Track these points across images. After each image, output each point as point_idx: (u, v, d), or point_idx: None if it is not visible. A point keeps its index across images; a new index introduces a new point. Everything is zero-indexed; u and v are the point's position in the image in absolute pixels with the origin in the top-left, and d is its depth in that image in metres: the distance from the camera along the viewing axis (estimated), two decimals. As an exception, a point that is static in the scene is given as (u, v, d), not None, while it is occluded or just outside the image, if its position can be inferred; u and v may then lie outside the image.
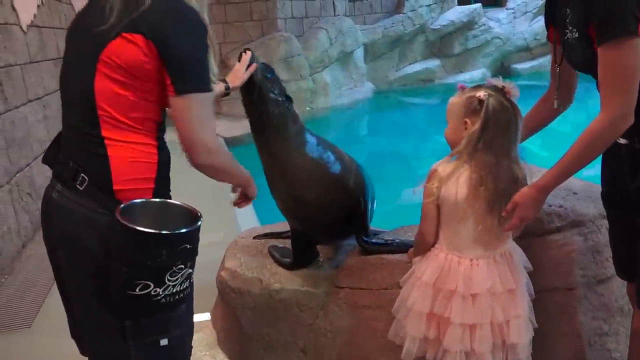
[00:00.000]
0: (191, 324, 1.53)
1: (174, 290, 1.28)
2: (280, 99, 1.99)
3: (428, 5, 12.15)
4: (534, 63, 12.88)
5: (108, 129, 1.31)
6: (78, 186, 1.33)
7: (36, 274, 3.58)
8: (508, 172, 1.58)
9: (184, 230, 1.26)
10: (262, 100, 1.94)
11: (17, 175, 4.05)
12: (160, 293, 1.26)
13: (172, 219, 1.31)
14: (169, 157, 1.43)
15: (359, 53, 11.20)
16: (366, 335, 2.02)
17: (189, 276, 1.31)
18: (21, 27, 4.58)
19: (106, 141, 1.32)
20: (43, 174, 4.59)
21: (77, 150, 1.37)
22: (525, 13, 13.17)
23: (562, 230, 1.89)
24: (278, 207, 2.16)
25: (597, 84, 1.51)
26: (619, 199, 1.61)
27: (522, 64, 12.99)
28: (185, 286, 1.31)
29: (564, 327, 1.92)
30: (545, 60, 12.96)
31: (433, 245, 1.71)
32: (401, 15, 11.84)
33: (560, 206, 1.92)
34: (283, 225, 2.50)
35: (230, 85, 1.91)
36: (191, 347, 1.54)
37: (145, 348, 1.34)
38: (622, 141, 1.54)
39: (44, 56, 5.25)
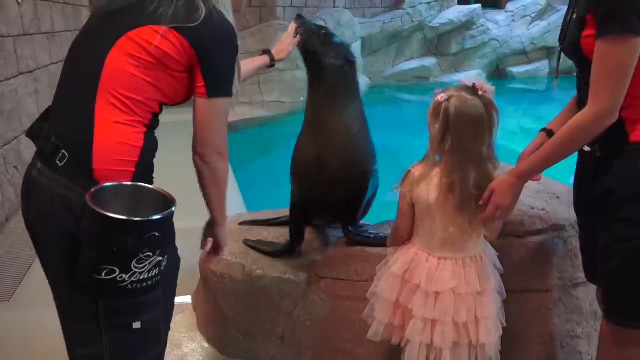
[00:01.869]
0: (170, 307, 1.53)
1: (141, 278, 1.26)
2: (336, 63, 1.98)
3: (428, 3, 12.13)
4: (530, 67, 12.93)
5: (102, 105, 1.31)
6: (58, 162, 1.32)
7: (19, 248, 3.56)
8: (479, 172, 1.59)
9: (151, 218, 1.23)
10: (316, 67, 1.96)
11: (4, 147, 4.02)
12: (127, 279, 1.24)
13: (145, 204, 1.28)
14: (156, 147, 1.42)
15: (356, 46, 11.16)
16: (344, 325, 2.05)
17: (159, 264, 1.29)
18: (16, -1, 4.53)
19: (96, 118, 1.30)
20: (31, 148, 4.54)
21: (63, 125, 1.37)
22: (524, 17, 13.19)
23: (542, 232, 1.92)
24: (291, 173, 2.14)
25: (577, 75, 1.52)
26: (586, 205, 1.64)
27: (517, 68, 13.03)
28: (154, 274, 1.28)
29: (538, 329, 1.96)
30: (541, 65, 13.04)
31: (408, 240, 1.74)
32: (400, 11, 11.81)
33: (543, 209, 1.95)
34: (270, 213, 2.51)
35: (276, 57, 1.92)
36: (168, 329, 1.55)
37: (118, 330, 1.34)
38: (586, 148, 1.57)
39: (37, 29, 5.19)
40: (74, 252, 1.29)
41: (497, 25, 12.92)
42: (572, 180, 1.74)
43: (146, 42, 1.30)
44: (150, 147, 1.38)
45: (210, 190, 1.51)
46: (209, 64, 1.35)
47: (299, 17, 2.03)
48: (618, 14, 1.35)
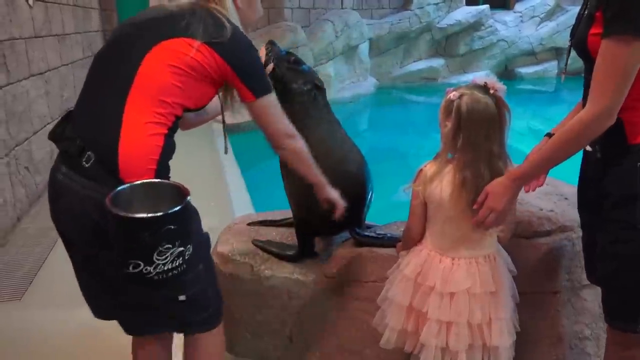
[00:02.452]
0: (213, 274, 1.68)
1: (165, 268, 1.33)
2: (304, 88, 2.04)
3: (436, 4, 12.11)
4: (538, 68, 12.88)
5: (132, 105, 1.39)
6: (84, 162, 1.39)
7: (30, 248, 3.60)
8: (490, 169, 1.58)
9: (161, 214, 1.29)
10: (285, 91, 1.99)
11: (16, 148, 4.06)
12: (152, 271, 1.31)
13: (163, 199, 1.35)
14: (173, 149, 1.50)
15: (364, 47, 11.18)
16: (352, 326, 2.05)
17: (182, 254, 1.35)
18: (27, 1, 4.58)
19: (124, 118, 1.38)
20: (42, 149, 4.60)
21: (89, 126, 1.44)
22: (533, 17, 13.14)
23: (551, 234, 1.91)
24: (286, 192, 2.19)
25: (584, 74, 1.50)
26: (587, 205, 1.64)
27: (526, 68, 12.99)
28: (178, 263, 1.34)
29: (546, 330, 1.95)
30: (550, 66, 12.98)
31: (420, 241, 1.74)
32: (408, 12, 11.81)
33: (551, 210, 1.94)
34: (279, 214, 2.52)
35: None
36: (218, 290, 1.69)
37: (165, 301, 1.51)
38: (588, 149, 1.56)
39: (48, 31, 5.24)
40: (106, 251, 1.38)
41: (506, 25, 12.88)
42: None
43: (181, 53, 1.41)
44: (169, 149, 1.46)
45: (300, 167, 1.70)
46: (245, 71, 1.49)
47: (270, 43, 2.09)
48: (626, 14, 1.33)
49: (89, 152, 1.39)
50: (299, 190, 2.09)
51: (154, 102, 1.40)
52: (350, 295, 2.05)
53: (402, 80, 12.12)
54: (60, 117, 1.54)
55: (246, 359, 2.29)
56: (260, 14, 1.74)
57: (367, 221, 2.54)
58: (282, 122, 1.59)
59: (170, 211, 1.30)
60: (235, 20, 1.54)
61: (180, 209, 1.32)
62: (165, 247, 1.30)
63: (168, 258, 1.32)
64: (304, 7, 10.30)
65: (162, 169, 1.45)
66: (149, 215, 1.28)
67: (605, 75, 1.37)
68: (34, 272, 3.25)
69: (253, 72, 1.53)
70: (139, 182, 1.38)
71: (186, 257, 1.37)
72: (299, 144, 1.64)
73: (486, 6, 12.55)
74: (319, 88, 2.09)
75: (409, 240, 1.76)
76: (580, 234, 1.93)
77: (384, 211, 2.38)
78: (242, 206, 4.01)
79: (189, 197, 1.35)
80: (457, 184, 1.58)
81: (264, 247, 2.30)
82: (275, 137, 1.59)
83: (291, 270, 2.17)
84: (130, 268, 1.31)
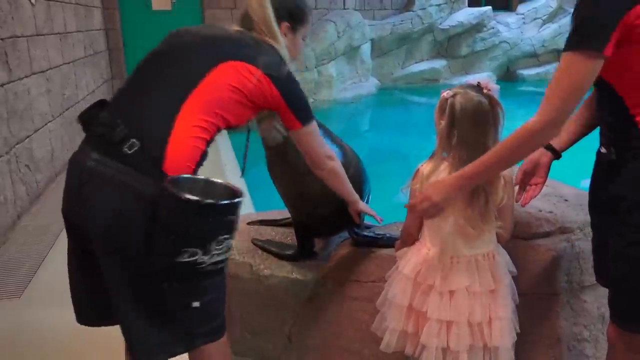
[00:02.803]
0: (224, 287, 1.64)
1: (217, 259, 1.37)
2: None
3: (438, 5, 12.11)
4: (540, 70, 12.87)
5: (188, 108, 1.45)
6: (126, 149, 1.39)
7: (30, 246, 3.61)
8: None
9: (230, 202, 1.35)
10: None
11: (17, 146, 4.07)
12: (206, 261, 1.34)
13: (215, 196, 1.38)
14: (206, 158, 1.54)
15: (366, 48, 11.18)
16: (352, 326, 2.05)
17: (229, 246, 1.40)
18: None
19: (178, 118, 1.43)
20: (43, 147, 4.60)
21: (138, 117, 1.45)
22: (535, 19, 13.14)
23: (550, 235, 1.91)
24: (281, 197, 2.20)
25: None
26: (598, 206, 1.64)
27: (528, 70, 12.99)
28: (225, 256, 1.40)
29: (545, 331, 1.95)
30: (552, 68, 12.95)
31: (417, 240, 1.74)
32: (411, 13, 11.80)
33: (550, 212, 1.94)
34: (278, 213, 2.52)
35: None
36: (224, 302, 1.65)
37: (176, 309, 1.45)
38: (602, 150, 1.56)
39: (50, 30, 5.25)
40: (141, 241, 1.36)
41: (508, 27, 12.88)
42: (582, 183, 1.73)
43: (244, 77, 1.51)
44: (205, 156, 1.52)
45: (337, 186, 1.84)
46: (295, 103, 1.62)
47: None
48: (577, 31, 1.36)
49: (133, 140, 1.40)
50: (295, 195, 2.12)
51: (207, 110, 1.47)
52: (349, 295, 2.05)
53: (403, 81, 12.12)
54: (91, 105, 1.54)
55: (245, 358, 2.29)
56: (300, 54, 1.84)
57: (366, 221, 2.55)
58: (323, 146, 1.75)
59: (235, 200, 1.36)
60: (284, 55, 1.64)
61: (240, 201, 1.37)
62: (224, 236, 1.35)
63: (222, 249, 1.36)
64: (306, 7, 10.30)
65: (196, 173, 1.49)
66: (221, 201, 1.33)
67: (555, 87, 1.39)
68: (33, 270, 3.25)
69: (301, 103, 1.65)
70: (201, 177, 1.44)
71: (231, 251, 1.43)
72: (337, 164, 1.79)
73: (488, 8, 12.55)
74: None
75: (407, 238, 1.77)
76: (579, 235, 1.94)
77: (385, 212, 2.38)
78: (243, 206, 4.01)
79: (243, 195, 1.40)
80: None
81: (264, 246, 2.31)
82: (317, 160, 1.73)
83: (290, 270, 2.17)
84: (185, 257, 1.31)
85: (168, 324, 1.46)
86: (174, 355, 1.50)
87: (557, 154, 1.76)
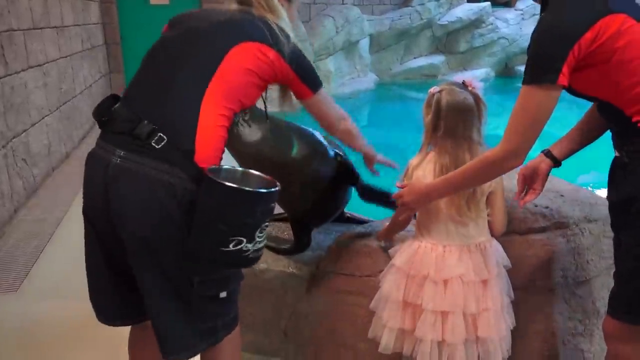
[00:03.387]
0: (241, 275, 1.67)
1: (259, 247, 1.39)
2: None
3: (437, 1, 12.10)
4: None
5: (210, 96, 1.44)
6: (154, 144, 1.36)
7: (26, 240, 3.60)
8: (472, 154, 1.65)
9: (272, 190, 1.37)
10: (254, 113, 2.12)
11: (14, 140, 4.06)
12: (250, 248, 1.36)
13: (253, 186, 1.38)
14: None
15: (365, 43, 11.18)
16: (347, 320, 2.06)
17: (266, 235, 1.42)
18: (26, -8, 4.57)
19: (202, 106, 1.42)
20: (39, 141, 4.59)
21: (161, 109, 1.42)
22: (534, 15, 13.12)
23: (545, 230, 1.92)
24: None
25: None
26: (613, 207, 1.65)
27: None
28: (264, 244, 1.42)
29: (539, 326, 1.96)
30: (550, 64, 12.95)
31: (402, 230, 1.81)
32: (409, 8, 11.79)
33: (546, 207, 1.94)
34: (276, 208, 2.52)
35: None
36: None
37: (205, 300, 1.47)
38: (616, 153, 1.59)
39: (47, 23, 5.23)
40: (179, 234, 1.37)
41: (507, 23, 12.86)
42: (579, 179, 1.74)
43: (257, 58, 1.50)
44: (226, 142, 1.52)
45: (353, 142, 1.90)
46: (304, 73, 1.63)
47: None
48: (533, 66, 1.42)
49: (160, 134, 1.37)
50: (284, 192, 2.14)
51: (227, 97, 1.46)
52: (344, 290, 2.05)
53: (402, 77, 12.12)
54: (104, 100, 1.49)
55: (242, 352, 2.29)
56: (296, 26, 1.84)
57: (364, 215, 2.55)
58: (334, 109, 1.78)
59: (274, 189, 1.37)
60: (287, 28, 1.63)
61: (278, 189, 1.39)
62: (265, 224, 1.38)
63: (263, 237, 1.38)
64: (305, 2, 10.28)
65: (221, 162, 1.49)
66: (268, 189, 1.35)
67: (515, 121, 1.46)
68: (30, 264, 3.25)
69: (310, 72, 1.67)
70: (239, 168, 1.49)
71: (266, 240, 1.44)
72: (349, 122, 1.83)
73: (487, 3, 12.54)
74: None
75: (394, 227, 1.84)
76: (575, 231, 1.95)
77: (383, 207, 2.38)
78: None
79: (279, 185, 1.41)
80: (437, 170, 1.66)
81: (260, 241, 2.31)
82: (331, 123, 1.77)
83: (286, 264, 2.18)
84: (232, 245, 1.32)
85: (197, 321, 1.47)
86: (198, 353, 1.53)
87: (557, 162, 1.77)
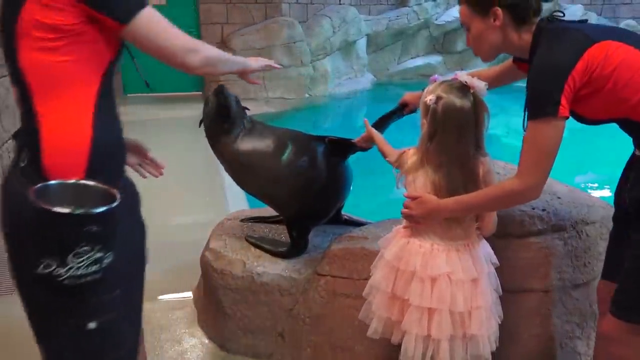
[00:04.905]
0: (136, 305, 1.52)
1: (79, 273, 1.24)
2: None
3: (434, 0, 12.08)
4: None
5: (40, 103, 1.26)
6: (21, 162, 1.29)
7: (22, 242, 3.58)
8: (463, 170, 1.63)
9: (86, 212, 1.21)
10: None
11: (9, 142, 4.04)
12: (63, 274, 1.23)
13: (91, 201, 1.25)
14: (114, 128, 1.35)
15: (362, 43, 11.15)
16: (344, 323, 2.05)
17: (99, 260, 1.26)
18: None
19: (39, 115, 1.26)
20: (35, 143, 4.57)
21: (22, 127, 1.34)
22: (531, 15, 13.13)
23: (542, 233, 1.91)
24: (261, 200, 2.31)
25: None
26: (622, 201, 1.68)
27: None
28: (92, 270, 1.25)
29: (537, 329, 1.96)
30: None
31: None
32: (406, 8, 11.77)
33: (543, 209, 1.94)
34: (271, 210, 2.52)
35: None
36: (137, 330, 1.53)
37: (72, 330, 1.32)
38: (637, 152, 1.61)
39: (43, 24, 5.20)
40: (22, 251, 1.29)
41: (503, 23, 12.85)
42: (575, 179, 1.75)
43: (38, 23, 1.20)
44: (103, 136, 1.30)
45: (223, 68, 1.51)
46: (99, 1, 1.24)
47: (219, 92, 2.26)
48: (534, 100, 1.51)
49: (25, 149, 1.28)
50: (272, 196, 2.22)
51: (57, 90, 1.25)
52: (342, 293, 2.05)
53: (399, 77, 12.09)
54: None
55: (238, 355, 2.29)
56: None
57: (360, 217, 2.55)
58: (175, 38, 1.32)
59: (94, 211, 1.21)
60: None
61: (105, 210, 1.23)
62: (83, 248, 1.22)
63: (84, 262, 1.23)
64: (302, 2, 10.26)
65: (102, 163, 1.30)
66: (72, 211, 1.20)
67: (527, 154, 1.53)
68: (26, 266, 3.23)
69: None
70: (71, 180, 1.27)
71: (103, 265, 1.27)
72: (207, 52, 1.39)
73: (484, 3, 12.53)
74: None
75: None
76: (572, 233, 1.94)
77: (379, 208, 2.38)
78: (236, 202, 4.00)
79: (116, 202, 1.26)
80: (429, 190, 1.64)
81: (257, 243, 2.30)
82: (178, 61, 1.33)
83: (283, 267, 2.17)
84: (41, 268, 1.21)
85: (72, 350, 1.33)
86: None
87: None
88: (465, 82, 1.60)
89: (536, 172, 1.52)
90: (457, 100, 1.58)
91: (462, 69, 12.41)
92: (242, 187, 2.30)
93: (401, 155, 1.74)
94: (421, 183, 1.66)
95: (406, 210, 1.67)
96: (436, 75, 1.74)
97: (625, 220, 1.64)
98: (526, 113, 1.54)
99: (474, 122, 1.60)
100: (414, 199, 1.65)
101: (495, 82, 1.97)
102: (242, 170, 2.21)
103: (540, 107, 1.50)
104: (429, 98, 1.61)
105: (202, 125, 2.31)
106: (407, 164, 1.71)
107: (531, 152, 1.52)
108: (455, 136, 1.59)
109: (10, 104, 4.09)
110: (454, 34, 12.37)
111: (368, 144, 2.04)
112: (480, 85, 1.60)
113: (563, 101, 1.48)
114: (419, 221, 1.66)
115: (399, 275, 1.68)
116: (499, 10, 1.60)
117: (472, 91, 1.59)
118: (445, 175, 1.62)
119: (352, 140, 2.09)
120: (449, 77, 1.67)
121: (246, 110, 2.33)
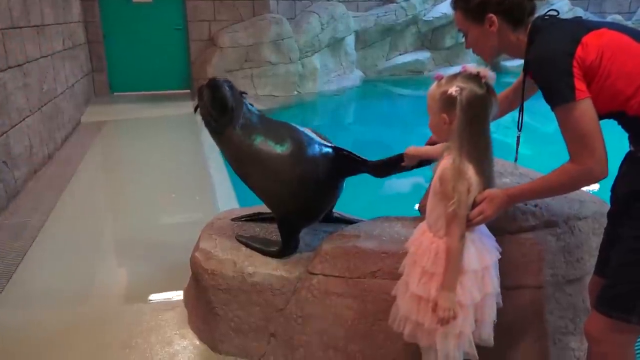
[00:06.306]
0: None
1: None
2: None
3: (422, -4, 12.11)
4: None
5: None
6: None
7: (8, 245, 3.52)
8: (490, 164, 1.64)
9: None
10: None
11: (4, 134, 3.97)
12: None
13: None
14: None
15: (350, 40, 11.13)
16: (336, 322, 2.03)
17: None
18: (4, -9, 4.45)
19: None
20: (20, 143, 4.49)
21: None
22: (518, 11, 13.19)
23: (535, 229, 1.91)
24: (257, 195, 2.24)
25: None
26: (616, 197, 1.69)
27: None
28: None
29: (530, 325, 1.95)
30: (534, 60, 13.05)
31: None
32: (394, 4, 11.77)
33: (536, 205, 1.93)
34: (263, 208, 2.49)
35: None
36: None
37: None
38: (631, 148, 1.61)
39: (26, 22, 5.12)
40: None
41: (491, 19, 12.90)
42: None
43: None
44: None
45: None
46: None
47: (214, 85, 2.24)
48: (549, 90, 1.51)
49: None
50: (270, 191, 2.16)
51: None
52: (334, 292, 2.03)
53: (388, 73, 12.10)
54: None
55: (229, 356, 2.26)
56: None
57: (353, 215, 2.53)
58: None
59: None
60: None
61: None
62: None
63: None
64: (290, -1, 10.22)
65: None
66: None
67: (572, 138, 1.51)
68: (13, 268, 3.18)
69: None
70: None
71: None
72: None
73: (472, -1, 12.55)
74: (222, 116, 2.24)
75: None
76: (565, 229, 1.94)
77: (370, 205, 2.36)
78: (227, 201, 3.97)
79: None
80: (480, 182, 1.59)
81: (248, 242, 2.27)
82: None
83: (275, 267, 2.15)
84: None
85: None
86: None
87: None
88: (478, 72, 1.58)
89: (591, 154, 1.49)
90: (478, 89, 1.57)
91: (450, 65, 12.43)
92: (244, 180, 2.24)
93: (459, 172, 1.59)
94: (475, 182, 1.58)
95: (480, 216, 1.60)
96: (439, 72, 1.70)
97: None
98: (549, 104, 1.53)
99: (491, 106, 1.60)
100: (480, 202, 1.60)
101: (510, 103, 1.98)
102: (246, 161, 2.16)
103: (556, 94, 1.49)
104: (454, 89, 1.56)
105: (198, 112, 2.27)
106: (461, 181, 1.57)
107: (571, 138, 1.51)
108: (484, 121, 1.59)
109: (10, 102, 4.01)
110: (442, 30, 12.39)
111: (413, 160, 1.97)
112: (490, 73, 1.60)
113: (577, 84, 1.47)
114: (493, 216, 1.62)
115: (430, 277, 1.64)
116: (494, 17, 1.60)
117: (483, 81, 1.58)
118: (489, 165, 1.63)
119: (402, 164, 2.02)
120: (457, 69, 1.63)
121: (244, 95, 2.29)
